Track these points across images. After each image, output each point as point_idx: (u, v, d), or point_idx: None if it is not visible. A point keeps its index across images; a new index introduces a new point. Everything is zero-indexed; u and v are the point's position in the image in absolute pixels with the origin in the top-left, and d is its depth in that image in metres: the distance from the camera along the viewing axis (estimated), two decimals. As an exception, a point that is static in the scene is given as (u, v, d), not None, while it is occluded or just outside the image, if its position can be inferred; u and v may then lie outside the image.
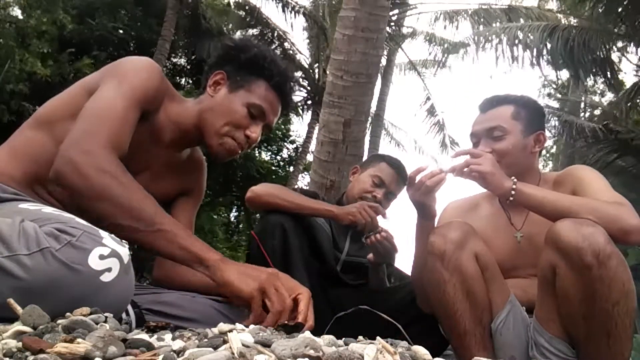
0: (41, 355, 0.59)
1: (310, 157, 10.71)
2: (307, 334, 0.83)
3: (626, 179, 8.33)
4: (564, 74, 8.94)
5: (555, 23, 8.49)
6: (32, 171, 1.16)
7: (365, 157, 3.83)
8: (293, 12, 11.48)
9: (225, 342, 0.74)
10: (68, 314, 0.79)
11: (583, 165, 1.59)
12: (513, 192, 1.35)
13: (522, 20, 9.13)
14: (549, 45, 7.85)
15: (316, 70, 12.23)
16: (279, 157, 13.23)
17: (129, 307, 1.13)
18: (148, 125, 1.24)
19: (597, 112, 13.62)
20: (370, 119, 6.56)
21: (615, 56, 9.30)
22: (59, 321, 0.74)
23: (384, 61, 10.89)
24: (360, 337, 0.87)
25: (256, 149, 11.56)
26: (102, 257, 0.86)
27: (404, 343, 0.85)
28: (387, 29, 7.46)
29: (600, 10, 7.36)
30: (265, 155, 12.84)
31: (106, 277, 0.86)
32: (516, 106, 1.58)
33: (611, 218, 1.24)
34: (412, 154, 14.63)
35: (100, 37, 9.23)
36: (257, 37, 11.67)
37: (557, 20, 9.14)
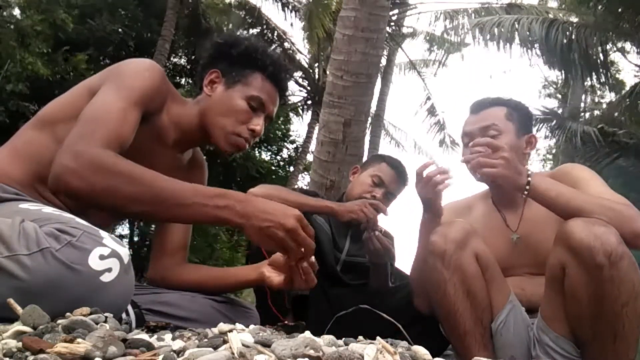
0: (41, 355, 0.59)
1: (310, 157, 10.72)
2: (307, 334, 0.83)
3: (626, 179, 8.34)
4: (564, 74, 8.90)
5: (554, 18, 8.47)
6: (34, 171, 1.16)
7: (365, 157, 3.84)
8: (293, 12, 11.49)
9: (225, 342, 0.74)
10: (68, 314, 0.79)
11: (578, 165, 1.59)
12: (528, 188, 1.34)
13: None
14: (545, 40, 7.80)
15: (316, 70, 12.24)
16: (279, 157, 13.22)
17: (129, 307, 1.14)
18: (151, 126, 1.24)
19: (597, 112, 13.63)
20: (370, 119, 6.55)
21: (615, 56, 9.31)
22: (59, 321, 0.74)
23: (384, 61, 10.88)
24: (360, 337, 0.87)
25: (256, 149, 11.56)
26: (102, 257, 0.86)
27: (404, 343, 0.85)
28: (387, 29, 7.46)
29: (600, 9, 7.36)
30: (265, 155, 12.82)
31: (106, 277, 0.86)
32: (508, 108, 1.60)
33: (625, 219, 1.23)
34: (412, 154, 14.63)
35: (100, 37, 9.23)
36: (257, 37, 11.69)
37: (557, 16, 9.12)
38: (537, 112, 8.67)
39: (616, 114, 8.89)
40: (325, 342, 0.78)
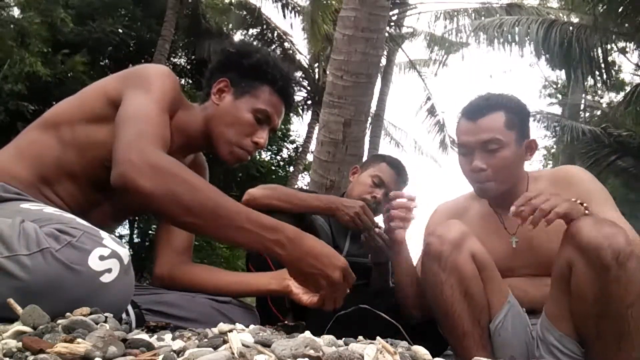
0: (41, 355, 0.59)
1: (310, 157, 10.72)
2: (307, 334, 0.83)
3: (626, 179, 8.34)
4: (564, 74, 8.90)
5: (554, 18, 8.47)
6: (37, 171, 1.16)
7: (365, 157, 3.83)
8: (293, 12, 11.49)
9: (225, 342, 0.74)
10: (68, 314, 0.79)
11: (583, 171, 1.56)
12: (587, 212, 1.29)
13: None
14: (545, 40, 7.79)
15: (316, 70, 12.24)
16: (279, 157, 13.24)
17: (129, 307, 1.14)
18: None
19: (597, 112, 13.63)
20: (370, 119, 6.56)
21: (615, 56, 9.31)
22: (59, 321, 0.74)
23: (384, 61, 10.87)
24: (360, 337, 0.87)
25: (256, 149, 11.55)
26: (102, 257, 0.86)
27: (404, 343, 0.85)
28: (387, 29, 7.46)
29: (600, 9, 7.36)
30: (265, 155, 12.84)
31: (106, 278, 0.86)
32: (507, 112, 1.48)
33: None
34: (412, 154, 14.63)
35: (98, 37, 9.22)
36: (257, 37, 11.68)
37: (557, 17, 9.12)
38: (538, 112, 8.67)
39: (618, 115, 8.89)
40: (325, 342, 0.78)
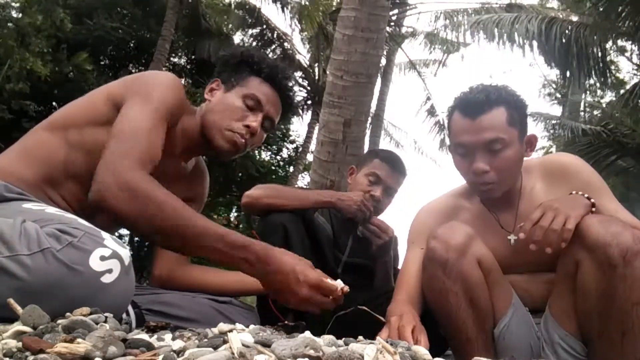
0: (41, 355, 0.59)
1: (310, 157, 10.71)
2: (307, 334, 0.83)
3: (626, 179, 8.33)
4: (563, 73, 8.88)
5: (553, 16, 8.46)
6: (43, 172, 1.17)
7: (364, 157, 3.82)
8: (293, 11, 11.48)
9: (225, 342, 0.74)
10: (68, 314, 0.79)
11: (581, 162, 1.51)
12: (594, 210, 1.29)
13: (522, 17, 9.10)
14: (544, 39, 7.77)
15: (316, 70, 12.23)
16: (279, 157, 13.23)
17: (129, 307, 1.14)
18: (165, 137, 1.26)
19: (596, 112, 13.63)
20: (370, 119, 6.55)
21: (615, 55, 9.30)
22: (59, 321, 0.74)
23: (384, 61, 10.88)
24: (360, 337, 0.87)
25: (256, 148, 11.56)
26: (103, 258, 0.86)
27: (404, 343, 0.85)
28: (387, 29, 7.46)
29: (600, 9, 7.35)
30: (265, 155, 12.84)
31: (107, 279, 0.86)
32: (508, 108, 1.38)
33: None
34: (412, 154, 14.63)
35: (98, 36, 9.22)
36: (257, 37, 11.68)
37: (556, 15, 9.11)
38: (537, 112, 8.65)
39: (617, 114, 8.88)
40: (325, 342, 0.78)
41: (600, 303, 1.19)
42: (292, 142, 13.27)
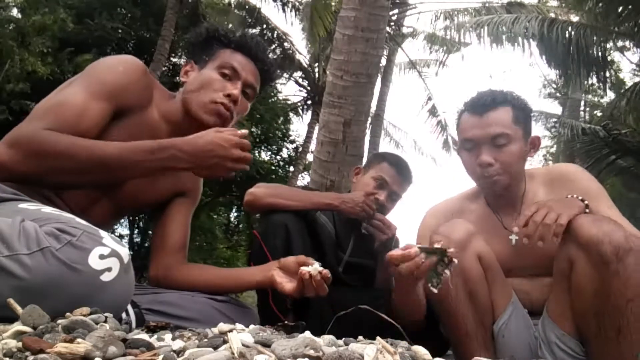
0: (41, 355, 0.59)
1: (310, 157, 10.72)
2: (307, 334, 0.83)
3: (626, 178, 8.33)
4: (563, 73, 8.88)
5: (554, 17, 8.46)
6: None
7: (365, 158, 3.83)
8: (293, 12, 11.48)
9: (225, 342, 0.74)
10: (68, 314, 0.79)
11: (580, 169, 1.55)
12: (587, 210, 1.30)
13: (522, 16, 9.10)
14: (545, 38, 7.77)
15: (316, 70, 12.24)
16: (278, 157, 13.23)
17: (129, 307, 1.14)
18: (139, 122, 1.26)
19: (596, 112, 13.63)
20: (370, 119, 6.55)
21: (615, 55, 9.30)
22: (59, 321, 0.74)
23: (384, 61, 10.87)
24: (360, 337, 0.87)
25: (256, 149, 11.55)
26: (102, 256, 0.86)
27: (404, 343, 0.85)
28: (387, 29, 7.46)
29: (600, 9, 7.35)
30: (265, 155, 12.84)
31: (106, 277, 0.86)
32: (513, 108, 1.47)
33: None
34: (412, 154, 14.63)
35: (99, 36, 9.23)
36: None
37: (557, 15, 9.11)
38: (538, 112, 8.65)
39: (618, 114, 8.88)
40: (325, 342, 0.78)
41: (595, 301, 1.20)
42: (292, 142, 13.28)
